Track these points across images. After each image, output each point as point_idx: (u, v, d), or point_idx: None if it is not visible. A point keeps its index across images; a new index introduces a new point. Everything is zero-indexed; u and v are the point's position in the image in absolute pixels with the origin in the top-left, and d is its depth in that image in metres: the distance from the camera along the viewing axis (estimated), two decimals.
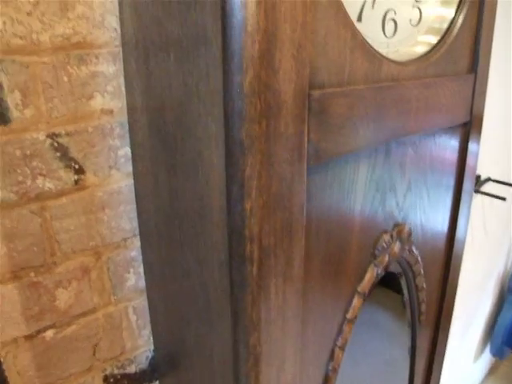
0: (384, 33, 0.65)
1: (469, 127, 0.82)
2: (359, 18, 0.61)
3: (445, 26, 0.72)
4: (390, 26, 0.66)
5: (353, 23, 0.54)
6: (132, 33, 0.64)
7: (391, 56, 0.66)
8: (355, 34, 0.54)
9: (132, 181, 0.76)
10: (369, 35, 0.63)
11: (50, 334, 0.77)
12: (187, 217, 0.60)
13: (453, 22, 0.71)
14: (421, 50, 0.70)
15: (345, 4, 0.57)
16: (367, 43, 0.56)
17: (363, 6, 0.61)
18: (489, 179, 1.77)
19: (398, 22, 0.67)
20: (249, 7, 0.41)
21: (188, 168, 0.56)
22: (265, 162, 0.46)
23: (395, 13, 0.66)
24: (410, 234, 0.78)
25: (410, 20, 0.70)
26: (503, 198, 1.61)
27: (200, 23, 0.48)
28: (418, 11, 0.71)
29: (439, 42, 0.71)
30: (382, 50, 0.66)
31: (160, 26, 0.56)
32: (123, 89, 0.72)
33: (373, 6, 0.62)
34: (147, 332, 0.88)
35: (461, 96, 0.76)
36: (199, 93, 0.50)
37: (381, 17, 0.64)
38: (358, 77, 0.56)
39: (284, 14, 0.43)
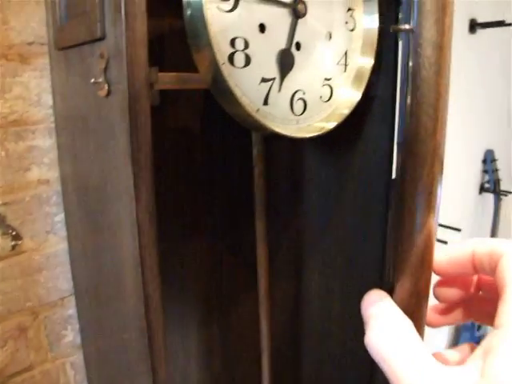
0: (293, 111, 0.72)
1: None
2: (265, 102, 0.67)
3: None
4: (298, 105, 0.73)
5: None
6: (62, 114, 0.70)
7: (302, 131, 0.73)
8: None
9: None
10: (276, 115, 0.70)
11: None
12: (110, 285, 0.65)
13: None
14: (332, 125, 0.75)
15: (248, 91, 0.64)
16: None
17: (269, 90, 0.68)
18: None
19: (307, 101, 0.74)
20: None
21: (107, 244, 0.62)
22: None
23: (304, 93, 0.73)
24: None
25: (321, 97, 0.77)
26: None
27: (110, 119, 0.55)
28: (328, 89, 0.78)
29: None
30: (292, 127, 0.73)
31: (81, 114, 0.63)
32: None
33: (279, 90, 0.69)
34: None
35: None
36: (112, 182, 0.57)
37: (289, 98, 0.71)
38: None
39: None
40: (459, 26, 1.74)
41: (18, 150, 0.75)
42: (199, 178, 0.85)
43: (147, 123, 0.52)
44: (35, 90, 0.75)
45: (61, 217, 0.80)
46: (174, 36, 0.76)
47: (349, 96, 0.79)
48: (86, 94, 0.60)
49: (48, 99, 0.76)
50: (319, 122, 0.77)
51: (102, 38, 0.54)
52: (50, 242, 0.80)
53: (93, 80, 0.54)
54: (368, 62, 0.79)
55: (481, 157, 2.05)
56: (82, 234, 0.71)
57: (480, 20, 1.77)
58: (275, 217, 1.04)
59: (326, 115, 0.78)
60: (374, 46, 0.80)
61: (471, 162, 2.03)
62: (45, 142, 0.77)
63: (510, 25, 1.70)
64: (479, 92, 1.87)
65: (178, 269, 0.84)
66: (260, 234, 0.80)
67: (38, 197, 0.78)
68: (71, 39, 0.61)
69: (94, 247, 0.68)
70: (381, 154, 0.89)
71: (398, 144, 0.82)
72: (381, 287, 0.36)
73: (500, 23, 1.73)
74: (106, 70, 0.54)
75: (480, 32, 1.80)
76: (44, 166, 0.78)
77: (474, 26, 1.76)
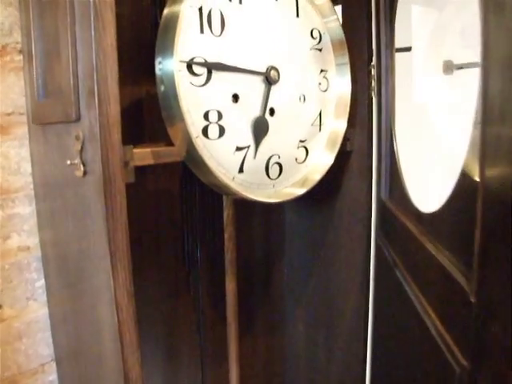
0: (268, 176, 0.73)
1: None
2: (241, 170, 0.69)
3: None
4: (274, 169, 0.74)
5: None
6: (40, 184, 0.72)
7: (276, 196, 0.74)
8: None
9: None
10: (252, 181, 0.71)
11: None
12: (90, 354, 0.65)
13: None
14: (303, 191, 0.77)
15: (223, 161, 0.65)
16: None
17: (244, 158, 0.69)
18: None
19: (283, 164, 0.75)
20: None
21: (86, 315, 0.62)
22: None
23: (279, 157, 0.75)
24: None
25: (296, 159, 0.78)
26: None
27: (87, 198, 0.56)
28: (304, 150, 0.80)
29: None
30: (269, 191, 0.74)
31: (59, 188, 0.64)
32: None
33: (254, 157, 0.71)
34: None
35: None
36: (90, 257, 0.57)
37: (264, 163, 0.72)
38: None
39: None
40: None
41: None
42: (180, 239, 0.86)
43: (123, 203, 0.53)
44: (15, 158, 0.76)
45: (41, 283, 0.80)
46: (152, 102, 0.77)
47: (322, 159, 0.80)
48: (63, 171, 0.61)
49: (27, 167, 0.77)
50: (294, 185, 0.78)
51: (77, 120, 0.55)
52: (31, 308, 0.80)
53: (69, 162, 0.55)
54: (342, 126, 0.81)
55: None
56: (63, 301, 0.72)
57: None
58: (259, 269, 1.05)
59: (301, 177, 0.79)
60: (347, 108, 0.82)
61: None
62: (25, 210, 0.78)
63: None
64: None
65: (158, 334, 0.84)
66: (230, 296, 0.80)
67: (18, 264, 0.78)
68: (48, 117, 0.63)
69: (74, 315, 0.68)
70: (359, 207, 0.91)
71: (377, 200, 0.84)
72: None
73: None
74: (81, 151, 0.55)
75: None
76: (24, 233, 0.78)
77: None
